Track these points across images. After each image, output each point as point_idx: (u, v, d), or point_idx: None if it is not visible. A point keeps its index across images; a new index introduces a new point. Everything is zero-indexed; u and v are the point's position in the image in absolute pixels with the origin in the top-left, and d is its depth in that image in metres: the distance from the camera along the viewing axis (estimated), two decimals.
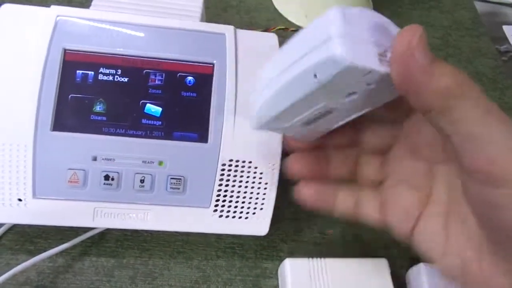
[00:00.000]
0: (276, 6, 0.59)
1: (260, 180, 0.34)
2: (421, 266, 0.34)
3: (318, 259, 0.33)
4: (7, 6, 0.35)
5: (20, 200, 0.32)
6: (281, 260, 0.36)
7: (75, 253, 0.35)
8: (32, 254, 0.34)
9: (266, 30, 0.54)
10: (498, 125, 0.19)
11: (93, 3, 0.39)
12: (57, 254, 0.34)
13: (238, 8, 0.58)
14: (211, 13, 0.56)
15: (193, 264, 0.36)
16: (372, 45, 0.19)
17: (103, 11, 0.36)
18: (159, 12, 0.39)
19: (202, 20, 0.39)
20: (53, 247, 0.34)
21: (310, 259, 0.33)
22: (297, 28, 0.54)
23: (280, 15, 0.58)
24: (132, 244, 0.36)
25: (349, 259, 0.34)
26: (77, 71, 0.34)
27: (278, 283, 0.35)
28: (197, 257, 0.36)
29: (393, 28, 0.21)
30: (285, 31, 0.54)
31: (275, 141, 0.35)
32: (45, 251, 0.34)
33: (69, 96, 0.33)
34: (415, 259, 0.37)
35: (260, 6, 0.59)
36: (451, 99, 0.19)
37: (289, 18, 0.58)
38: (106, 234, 0.36)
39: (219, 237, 0.37)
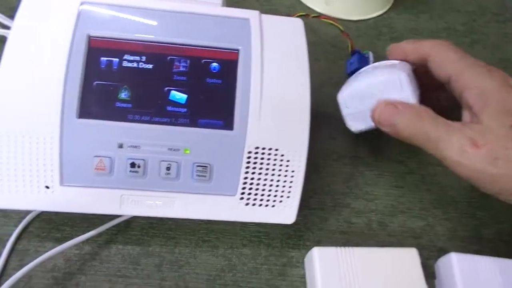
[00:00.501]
0: None
1: (287, 168, 0.34)
2: (451, 256, 0.33)
3: (347, 248, 0.33)
4: None
5: (47, 187, 0.32)
6: (307, 249, 0.36)
7: (101, 241, 0.35)
8: (59, 241, 0.34)
9: (287, 16, 0.53)
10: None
11: None
12: (83, 242, 0.34)
13: None
14: (230, 0, 0.55)
15: (219, 252, 0.35)
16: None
17: None
18: None
19: (223, 6, 0.39)
20: (80, 235, 0.34)
21: (338, 248, 0.33)
22: (318, 15, 0.53)
23: (300, 2, 0.57)
24: (158, 232, 0.36)
25: (378, 248, 0.33)
26: (102, 58, 0.33)
27: (304, 272, 0.35)
28: (222, 246, 0.36)
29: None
30: (306, 17, 0.53)
31: (302, 128, 0.34)
32: (71, 238, 0.34)
33: (94, 83, 0.33)
34: (444, 249, 0.37)
35: None
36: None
37: (309, 5, 0.57)
38: (131, 222, 0.36)
39: (244, 225, 0.37)
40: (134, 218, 0.36)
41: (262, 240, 0.36)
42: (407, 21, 0.56)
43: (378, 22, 0.56)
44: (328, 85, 0.48)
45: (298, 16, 0.53)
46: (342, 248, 0.33)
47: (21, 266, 0.33)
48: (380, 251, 0.33)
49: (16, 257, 0.33)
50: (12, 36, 0.33)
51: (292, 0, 0.57)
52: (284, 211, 0.34)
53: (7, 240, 0.34)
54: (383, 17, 0.56)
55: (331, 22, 0.50)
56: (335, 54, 0.51)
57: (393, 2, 0.58)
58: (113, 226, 0.35)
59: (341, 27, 0.50)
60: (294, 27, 0.37)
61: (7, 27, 0.45)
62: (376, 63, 0.40)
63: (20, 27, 0.33)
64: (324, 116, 0.43)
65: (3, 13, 0.46)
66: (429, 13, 0.58)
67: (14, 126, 0.31)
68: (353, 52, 0.49)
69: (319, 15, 0.52)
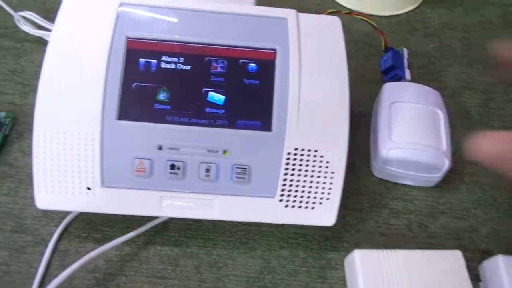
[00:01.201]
0: None
1: (327, 169, 0.33)
2: (498, 259, 0.32)
3: (389, 250, 0.32)
4: None
5: (89, 188, 0.32)
6: (346, 251, 0.35)
7: (140, 242, 0.35)
8: (99, 242, 0.34)
9: (317, 13, 0.52)
10: None
11: None
12: (123, 243, 0.34)
13: None
14: None
15: (257, 254, 0.35)
16: None
17: None
18: None
19: (255, 4, 0.38)
20: (119, 236, 0.34)
21: (380, 250, 0.32)
22: (349, 11, 0.52)
23: None
24: (195, 233, 0.36)
25: (421, 250, 0.33)
26: (140, 59, 0.33)
27: (344, 275, 0.34)
28: (260, 248, 0.35)
29: None
30: (338, 14, 0.52)
31: (341, 129, 0.34)
32: (111, 239, 0.34)
33: (133, 85, 0.33)
34: (487, 251, 0.36)
35: None
36: None
37: (340, 1, 0.56)
38: (169, 223, 0.36)
39: (281, 227, 0.36)
40: (172, 219, 0.36)
41: (300, 242, 0.36)
42: (440, 16, 0.55)
43: (410, 17, 0.54)
44: (361, 83, 0.47)
45: (329, 13, 0.52)
46: (384, 251, 0.32)
47: (63, 266, 0.33)
48: (423, 253, 0.32)
49: (58, 257, 0.34)
50: (53, 38, 0.33)
51: None
52: (324, 213, 0.33)
53: (49, 240, 0.34)
54: (416, 12, 0.55)
55: (364, 18, 0.49)
56: (368, 51, 0.50)
57: None
58: (151, 227, 0.35)
59: (374, 24, 0.49)
60: (332, 25, 0.36)
61: (43, 28, 0.46)
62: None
63: (60, 29, 0.33)
64: (359, 115, 0.43)
65: (38, 14, 0.46)
66: (462, 7, 0.56)
67: (57, 128, 0.32)
68: (387, 49, 0.48)
69: (351, 12, 0.52)
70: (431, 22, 0.54)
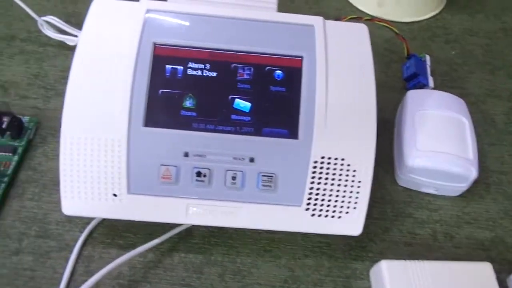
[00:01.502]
0: None
1: (354, 178, 0.33)
2: None
3: (417, 261, 0.32)
4: (98, 1, 0.35)
5: (115, 195, 0.32)
6: (371, 260, 0.35)
7: (164, 249, 0.35)
8: (123, 248, 0.34)
9: (337, 20, 0.52)
10: None
11: None
12: (147, 249, 0.34)
13: None
14: (278, 3, 0.54)
15: (281, 263, 0.35)
16: None
17: (190, 4, 0.35)
18: (234, 3, 0.38)
19: (276, 11, 0.38)
20: (142, 242, 0.34)
21: (408, 261, 0.32)
22: (370, 18, 0.51)
23: (350, 4, 0.56)
24: (219, 241, 0.35)
25: (450, 262, 0.32)
26: (167, 66, 0.33)
27: (370, 285, 0.34)
28: (284, 256, 0.35)
29: None
30: (358, 20, 0.52)
31: (368, 137, 0.33)
32: (134, 245, 0.34)
33: (160, 91, 0.33)
34: None
35: None
36: None
37: (360, 7, 0.55)
38: (193, 230, 0.36)
39: (305, 235, 0.36)
40: (195, 226, 0.36)
41: (324, 251, 0.36)
42: (461, 22, 0.54)
43: (432, 23, 0.54)
44: (384, 90, 0.46)
45: (349, 19, 0.52)
46: (412, 262, 0.32)
47: (87, 273, 0.33)
48: (452, 265, 0.32)
49: (82, 263, 0.34)
50: (81, 44, 0.33)
51: (341, 2, 0.56)
52: (351, 222, 0.33)
53: (73, 246, 0.34)
54: (437, 18, 0.55)
55: (386, 25, 0.49)
56: (389, 58, 0.50)
57: (446, 2, 0.56)
58: (175, 234, 0.35)
59: (396, 30, 0.48)
60: (359, 33, 0.36)
61: (65, 32, 0.46)
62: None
63: (88, 34, 0.33)
64: (381, 122, 0.42)
65: (60, 18, 0.46)
66: (484, 13, 0.56)
67: (84, 133, 0.32)
68: (409, 56, 0.47)
69: (372, 18, 0.51)
70: (452, 28, 0.53)
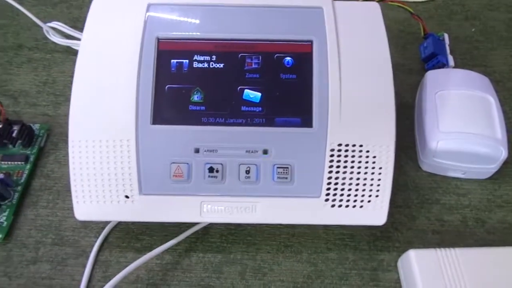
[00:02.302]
0: None
1: (374, 165, 0.31)
2: None
3: (447, 249, 0.30)
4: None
5: (127, 197, 0.31)
6: (398, 251, 0.33)
7: (181, 250, 0.34)
8: (139, 251, 0.34)
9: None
10: None
11: None
12: (163, 251, 0.33)
13: None
14: None
15: (303, 258, 0.33)
16: None
17: None
18: None
19: None
20: (158, 244, 0.33)
21: (438, 249, 0.30)
22: None
23: None
24: (237, 238, 0.34)
25: (483, 248, 0.30)
26: (172, 60, 0.32)
27: (399, 277, 0.32)
28: (306, 251, 0.34)
29: None
30: (370, 1, 0.50)
31: (387, 120, 0.31)
32: (151, 247, 0.33)
33: (166, 87, 0.32)
34: None
35: None
36: None
37: None
38: (210, 229, 0.35)
39: (326, 228, 0.35)
40: (212, 225, 0.35)
41: (348, 243, 0.34)
42: None
43: (448, 0, 0.52)
44: (401, 73, 0.45)
45: (362, 0, 0.50)
46: (442, 250, 0.30)
47: (105, 278, 0.32)
48: (486, 251, 0.30)
49: (99, 268, 0.33)
50: (83, 45, 0.33)
51: None
52: (374, 212, 0.31)
53: (90, 251, 0.33)
54: None
55: (400, 4, 0.47)
56: (405, 39, 0.48)
57: None
58: (192, 234, 0.34)
59: (411, 10, 0.46)
60: (371, 12, 0.34)
61: (71, 37, 0.46)
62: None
63: (90, 35, 0.33)
64: (401, 106, 0.40)
65: (66, 24, 0.46)
66: None
67: (91, 136, 0.31)
68: (427, 35, 0.45)
69: None
70: (470, 5, 0.51)
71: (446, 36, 0.45)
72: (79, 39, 0.45)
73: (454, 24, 0.49)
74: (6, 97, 0.42)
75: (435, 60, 0.43)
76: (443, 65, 0.43)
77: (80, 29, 0.46)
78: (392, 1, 0.47)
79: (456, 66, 0.44)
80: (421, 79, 0.42)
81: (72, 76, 0.44)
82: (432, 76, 0.39)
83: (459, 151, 0.34)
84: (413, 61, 0.46)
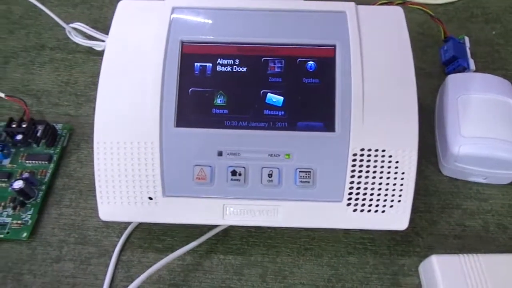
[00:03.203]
0: None
1: (396, 170, 0.31)
2: None
3: (471, 255, 0.30)
4: (124, 2, 0.34)
5: (150, 198, 0.31)
6: (419, 256, 0.33)
7: (202, 251, 0.34)
8: (160, 251, 0.34)
9: (368, 5, 0.50)
10: None
11: None
12: (185, 252, 0.33)
13: None
14: None
15: (323, 261, 0.33)
16: None
17: None
18: None
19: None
20: (180, 245, 0.34)
21: (461, 255, 0.30)
22: (402, 1, 0.49)
23: None
24: (257, 241, 0.34)
25: (506, 255, 0.30)
26: (196, 64, 0.33)
27: (420, 282, 0.32)
28: (326, 254, 0.34)
29: None
30: (390, 4, 0.50)
31: (410, 126, 0.31)
32: (172, 248, 0.34)
33: (190, 90, 0.32)
34: None
35: None
36: None
37: None
38: (230, 231, 0.35)
39: (347, 231, 0.35)
40: (232, 227, 0.35)
41: (368, 247, 0.34)
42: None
43: (468, 3, 0.51)
44: (421, 76, 0.44)
45: (380, 4, 0.49)
46: (465, 256, 0.30)
47: (128, 278, 0.33)
48: (508, 258, 0.30)
49: (122, 268, 0.33)
50: (108, 48, 0.33)
51: None
52: (396, 217, 0.31)
53: (112, 251, 0.34)
54: None
55: (420, 7, 0.46)
56: (424, 42, 0.47)
57: None
58: (212, 235, 0.34)
59: (431, 12, 0.46)
60: (394, 16, 0.34)
61: (92, 38, 0.46)
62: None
63: (115, 38, 0.33)
64: (421, 110, 0.40)
65: (86, 24, 0.46)
66: None
67: (116, 138, 0.31)
68: (447, 39, 0.45)
69: (405, 2, 0.49)
70: (491, 7, 0.50)
71: (466, 39, 0.45)
72: (100, 40, 0.46)
73: (474, 27, 0.49)
74: (29, 96, 0.43)
75: (455, 64, 0.43)
76: (464, 68, 0.43)
77: (101, 29, 0.47)
78: (412, 4, 0.47)
79: (476, 70, 0.43)
80: (441, 83, 0.42)
81: (93, 77, 0.45)
82: (453, 80, 0.39)
83: (481, 156, 0.34)
84: (432, 64, 0.46)
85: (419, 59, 0.46)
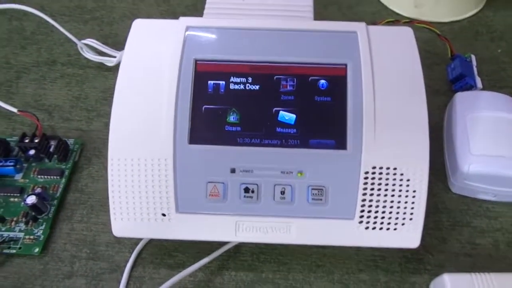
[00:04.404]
0: None
1: (408, 188, 0.31)
2: None
3: (483, 274, 0.30)
4: (139, 21, 0.35)
5: (164, 215, 0.32)
6: (430, 274, 0.33)
7: (213, 267, 0.34)
8: (172, 268, 0.34)
9: (373, 24, 0.50)
10: None
11: (205, 12, 0.38)
12: (197, 269, 0.33)
13: (339, 4, 0.55)
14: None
15: (335, 278, 0.34)
16: None
17: (228, 18, 0.35)
18: (269, 14, 0.38)
19: (313, 19, 0.38)
20: (191, 261, 0.34)
21: (473, 274, 0.30)
22: (409, 20, 0.50)
23: (385, 7, 0.55)
24: (268, 257, 0.35)
25: None
26: (209, 82, 0.33)
27: None
28: (337, 271, 0.34)
29: None
30: (396, 24, 0.50)
31: (421, 144, 0.32)
32: (183, 264, 0.34)
33: (203, 108, 0.33)
34: None
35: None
36: None
37: (395, 9, 0.54)
38: (241, 247, 0.35)
39: (357, 248, 0.35)
40: (243, 243, 0.35)
41: (379, 265, 0.34)
42: (505, 18, 0.52)
43: (473, 21, 0.52)
44: (428, 93, 0.44)
45: (386, 23, 0.50)
46: (478, 275, 0.30)
47: None
48: None
49: (134, 284, 0.33)
50: (123, 65, 0.33)
51: (376, 6, 0.55)
52: (407, 235, 0.31)
53: (124, 266, 0.34)
54: (478, 16, 0.53)
55: (426, 26, 0.47)
56: (431, 60, 0.48)
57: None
58: (224, 252, 0.34)
59: (437, 31, 0.46)
60: (404, 36, 0.35)
61: (104, 54, 0.47)
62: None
63: (130, 55, 0.34)
64: (429, 127, 0.41)
65: (98, 40, 0.47)
66: None
67: (130, 155, 0.32)
68: (454, 57, 0.46)
69: (411, 20, 0.50)
70: (496, 26, 0.51)
71: (473, 57, 0.46)
72: (111, 56, 0.47)
73: (480, 45, 0.49)
74: (41, 111, 0.43)
75: (463, 82, 0.43)
76: (471, 86, 0.43)
77: (111, 45, 0.48)
78: (419, 23, 0.48)
79: (483, 88, 0.44)
80: (448, 100, 0.42)
81: (103, 92, 0.45)
82: (461, 98, 0.40)
83: (491, 174, 0.35)
84: (439, 81, 0.46)
85: (426, 76, 0.46)
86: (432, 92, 0.45)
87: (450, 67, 0.45)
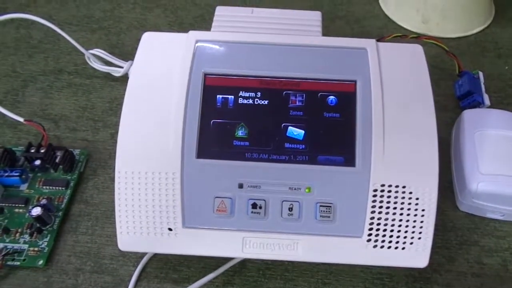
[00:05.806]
0: (387, 13, 0.55)
1: (417, 207, 0.31)
2: None
3: None
4: (148, 34, 0.35)
5: (170, 229, 0.31)
6: None
7: (219, 283, 0.34)
8: (177, 282, 0.34)
9: (380, 39, 0.50)
10: None
11: (213, 24, 0.39)
12: (202, 285, 0.33)
13: (347, 18, 0.55)
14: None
15: None
16: None
17: (237, 33, 0.35)
18: (277, 28, 0.38)
19: (321, 35, 0.38)
20: (196, 275, 0.33)
21: None
22: (416, 35, 0.50)
23: (392, 22, 0.55)
24: (274, 273, 0.34)
25: None
26: (218, 96, 0.33)
27: None
28: None
29: None
30: (403, 39, 0.50)
31: (431, 163, 0.32)
32: (188, 279, 0.33)
33: (211, 122, 0.32)
34: None
35: (369, 14, 0.56)
36: None
37: (403, 25, 0.54)
38: (247, 263, 0.35)
39: (364, 266, 0.34)
40: (249, 259, 0.35)
41: (386, 283, 0.34)
42: None
43: (481, 37, 0.52)
44: (436, 109, 0.45)
45: (394, 38, 0.50)
46: None
47: None
48: None
49: None
50: (132, 78, 0.33)
51: (383, 21, 0.55)
52: (416, 254, 0.31)
53: (128, 281, 0.33)
54: (485, 32, 0.53)
55: (434, 42, 0.47)
56: (438, 76, 0.48)
57: (494, 16, 0.54)
58: (229, 267, 0.34)
59: (445, 47, 0.46)
60: (414, 53, 0.35)
61: (111, 64, 0.47)
62: None
63: (139, 68, 0.34)
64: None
65: (104, 50, 0.47)
66: None
67: (138, 168, 0.31)
68: (461, 73, 0.46)
69: (419, 36, 0.49)
70: (503, 42, 0.51)
71: (480, 74, 0.46)
72: (118, 66, 0.47)
73: (487, 62, 0.49)
74: (47, 120, 0.43)
75: (470, 99, 0.43)
76: (479, 103, 0.43)
77: (118, 55, 0.48)
78: (426, 38, 0.48)
79: (490, 105, 0.44)
80: (455, 116, 0.42)
81: (110, 102, 0.45)
82: (469, 116, 0.39)
83: (500, 193, 0.34)
84: (446, 97, 0.46)
85: (434, 92, 0.47)
86: (439, 108, 0.44)
87: (458, 84, 0.45)
